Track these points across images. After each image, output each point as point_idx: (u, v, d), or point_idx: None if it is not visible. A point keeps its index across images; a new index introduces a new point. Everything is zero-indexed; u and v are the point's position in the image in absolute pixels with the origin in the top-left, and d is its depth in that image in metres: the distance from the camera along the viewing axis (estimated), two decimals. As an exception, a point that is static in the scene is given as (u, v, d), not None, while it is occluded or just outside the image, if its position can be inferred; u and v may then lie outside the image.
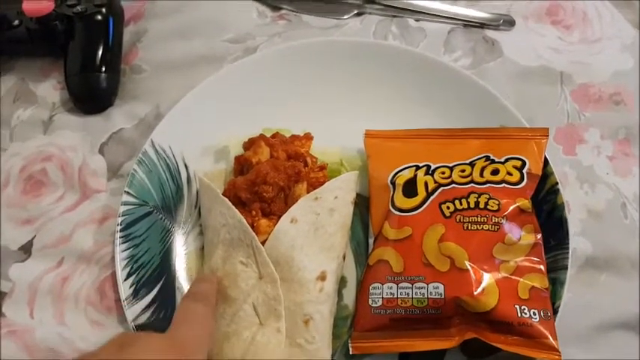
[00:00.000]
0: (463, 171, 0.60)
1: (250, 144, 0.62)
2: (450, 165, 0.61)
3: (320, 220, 0.58)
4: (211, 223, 0.58)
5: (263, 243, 0.55)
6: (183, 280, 0.61)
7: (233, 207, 0.57)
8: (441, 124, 0.65)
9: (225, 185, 0.60)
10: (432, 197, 0.58)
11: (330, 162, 0.64)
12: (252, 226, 0.56)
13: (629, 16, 0.78)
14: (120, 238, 0.59)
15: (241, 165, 0.62)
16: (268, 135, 0.65)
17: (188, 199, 0.64)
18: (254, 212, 0.57)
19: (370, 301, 0.56)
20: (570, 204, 0.63)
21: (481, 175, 0.59)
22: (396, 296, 0.55)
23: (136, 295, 0.59)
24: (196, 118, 0.66)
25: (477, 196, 0.58)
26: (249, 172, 0.59)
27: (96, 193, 0.66)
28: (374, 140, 0.65)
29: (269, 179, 0.57)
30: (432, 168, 0.61)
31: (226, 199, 0.57)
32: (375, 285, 0.56)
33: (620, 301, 0.59)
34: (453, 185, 0.59)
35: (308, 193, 0.59)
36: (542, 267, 0.56)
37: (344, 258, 0.60)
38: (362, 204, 0.63)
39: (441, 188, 0.59)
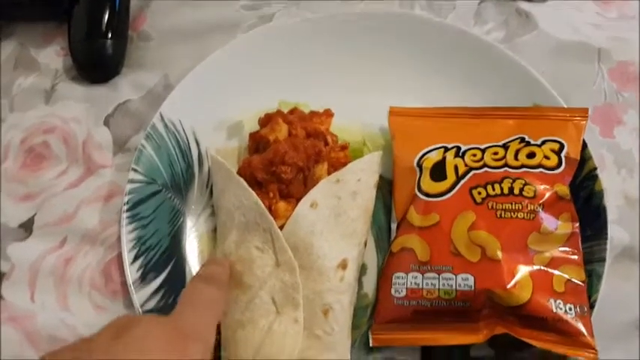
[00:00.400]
0: (496, 153, 0.56)
1: (267, 120, 0.58)
2: (482, 147, 0.57)
3: (342, 204, 0.54)
4: (224, 205, 0.54)
5: (281, 227, 0.51)
6: (194, 264, 0.58)
7: (249, 188, 0.53)
8: (472, 101, 0.61)
9: (240, 164, 0.56)
10: (462, 181, 0.54)
11: (351, 141, 0.60)
12: (270, 209, 0.52)
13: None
14: (126, 217, 0.56)
15: (257, 142, 0.58)
16: (285, 110, 0.61)
17: (199, 178, 0.60)
18: (271, 194, 0.53)
19: (393, 291, 0.53)
20: (607, 190, 0.59)
21: (516, 158, 0.55)
22: (421, 287, 0.52)
23: (144, 278, 0.55)
24: (208, 90, 0.62)
25: (511, 181, 0.53)
26: (266, 151, 0.55)
27: (101, 168, 0.62)
28: (399, 118, 0.61)
29: (288, 159, 0.53)
30: (463, 150, 0.57)
31: (241, 180, 0.53)
32: (399, 274, 0.53)
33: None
34: (486, 169, 0.55)
35: (329, 174, 0.55)
36: (578, 258, 0.52)
37: (365, 244, 0.56)
38: (384, 187, 0.59)
39: (472, 172, 0.55)
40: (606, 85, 0.66)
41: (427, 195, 0.55)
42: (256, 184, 0.54)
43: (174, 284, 0.56)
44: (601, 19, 0.70)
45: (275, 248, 0.51)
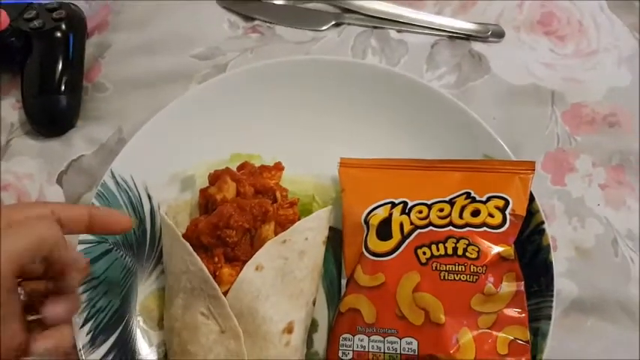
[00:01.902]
0: (442, 210, 0.56)
1: (215, 178, 0.58)
2: (429, 202, 0.57)
3: (288, 265, 0.54)
4: (172, 268, 0.55)
5: (225, 293, 0.51)
6: (144, 324, 0.57)
7: (194, 253, 0.53)
8: (423, 152, 0.61)
9: (189, 223, 0.56)
10: (407, 240, 0.55)
11: (301, 195, 0.60)
12: (214, 275, 0.52)
13: (628, 20, 0.72)
14: (77, 280, 0.55)
15: (206, 199, 0.58)
16: (237, 162, 0.61)
17: (151, 233, 0.60)
18: (216, 259, 0.53)
19: (340, 354, 0.53)
20: (557, 240, 0.59)
21: (460, 216, 0.55)
22: (367, 349, 0.52)
23: (94, 342, 0.55)
24: (160, 144, 0.62)
25: (455, 241, 0.54)
26: (212, 214, 0.55)
27: (53, 227, 0.62)
28: (349, 170, 0.61)
29: (232, 223, 0.53)
30: (409, 206, 0.57)
31: (187, 244, 0.53)
32: (346, 336, 0.53)
33: (608, 349, 0.55)
34: (431, 228, 0.55)
35: (276, 233, 0.55)
36: (523, 317, 0.53)
37: (314, 303, 0.56)
38: (335, 239, 0.60)
39: (418, 231, 0.55)
40: (559, 129, 0.66)
41: (373, 254, 0.55)
42: (203, 248, 0.54)
43: (125, 345, 0.56)
44: (555, 58, 0.69)
45: (220, 315, 0.52)
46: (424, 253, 0.54)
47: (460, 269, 0.52)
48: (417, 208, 0.56)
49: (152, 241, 0.61)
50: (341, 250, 0.58)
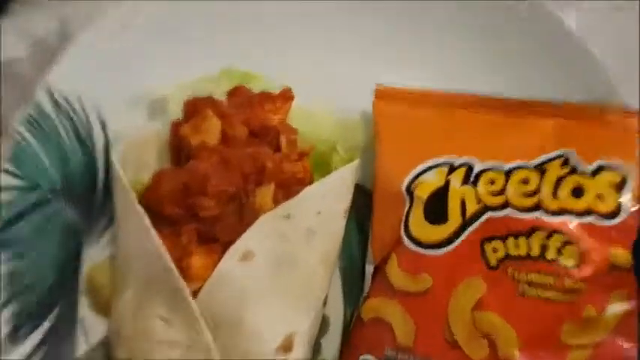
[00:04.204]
0: (526, 181, 0.38)
1: (191, 110, 0.40)
2: (506, 167, 0.38)
3: (291, 249, 0.38)
4: (123, 246, 0.38)
5: (196, 292, 0.34)
6: (90, 307, 0.42)
7: (151, 229, 0.36)
8: (499, 85, 0.43)
9: (150, 178, 0.39)
10: (470, 228, 0.37)
11: (317, 140, 0.42)
12: (181, 264, 0.35)
13: None
14: (-7, 243, 0.40)
15: (179, 141, 0.40)
16: (229, 84, 0.43)
17: (105, 177, 0.44)
18: (185, 238, 0.36)
19: (358, 381, 0.37)
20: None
21: (554, 194, 0.37)
22: (397, 385, 0.36)
23: (15, 335, 0.39)
24: (121, 50, 0.45)
25: (544, 235, 0.36)
26: (182, 170, 0.37)
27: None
28: (388, 105, 0.43)
29: (211, 188, 0.36)
30: (476, 171, 0.39)
31: (143, 214, 0.36)
32: (368, 358, 0.37)
33: None
34: (508, 211, 0.37)
35: (276, 202, 0.38)
36: (630, 348, 0.36)
37: (325, 302, 0.40)
38: (361, 202, 0.42)
39: (488, 214, 0.37)
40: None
41: (417, 243, 0.38)
42: (167, 219, 0.37)
43: (59, 341, 0.40)
44: None
45: (186, 323, 0.35)
46: (495, 251, 0.36)
47: (549, 282, 0.35)
48: (489, 175, 0.38)
49: (106, 188, 0.44)
50: (368, 222, 0.41)
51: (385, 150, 0.41)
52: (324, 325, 0.42)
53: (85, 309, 0.42)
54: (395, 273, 0.38)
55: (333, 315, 0.42)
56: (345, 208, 0.40)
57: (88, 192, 0.44)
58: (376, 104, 0.42)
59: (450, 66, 0.45)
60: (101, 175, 0.44)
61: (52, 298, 0.41)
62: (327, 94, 0.43)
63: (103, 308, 0.42)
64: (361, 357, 0.37)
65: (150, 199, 0.38)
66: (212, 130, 0.39)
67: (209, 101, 0.40)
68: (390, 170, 0.40)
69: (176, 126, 0.41)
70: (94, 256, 0.43)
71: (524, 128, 0.40)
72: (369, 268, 0.40)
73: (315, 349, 0.41)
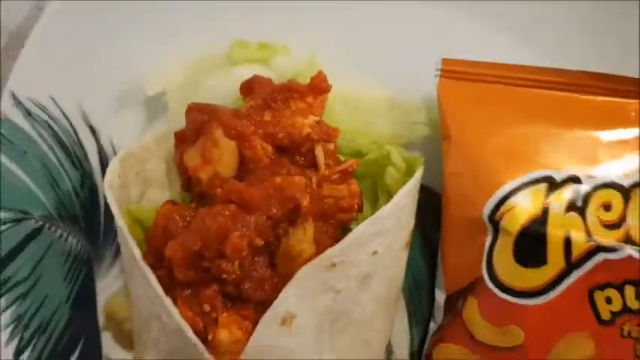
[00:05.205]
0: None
1: (195, 129, 0.30)
2: (627, 184, 0.28)
3: (341, 303, 0.30)
4: (137, 305, 0.31)
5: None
6: (115, 339, 0.36)
7: (166, 298, 0.28)
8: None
9: (155, 218, 0.31)
10: (577, 272, 0.28)
11: (365, 144, 0.32)
12: (205, 337, 0.28)
13: None
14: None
15: (185, 170, 0.31)
16: (243, 59, 0.36)
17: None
18: (207, 307, 0.29)
19: None
20: None
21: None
22: None
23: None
24: (98, 29, 0.35)
25: (677, 284, 0.27)
26: (190, 230, 0.29)
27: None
28: (458, 85, 0.32)
29: (231, 248, 0.27)
30: (586, 189, 0.28)
31: (153, 277, 0.29)
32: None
33: None
34: (629, 250, 0.27)
35: (318, 242, 0.29)
36: None
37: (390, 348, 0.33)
38: (426, 200, 0.33)
39: (601, 256, 0.27)
40: None
41: (505, 289, 0.29)
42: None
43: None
44: None
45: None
46: (609, 302, 0.28)
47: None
48: (601, 196, 0.28)
49: (108, 206, 0.35)
50: (435, 232, 0.33)
51: (457, 154, 0.31)
52: (386, 350, 0.35)
53: (108, 344, 0.37)
54: (477, 322, 0.30)
55: (398, 340, 0.35)
56: (408, 234, 0.31)
57: (88, 213, 0.37)
58: (443, 85, 0.32)
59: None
60: (101, 189, 0.36)
61: (72, 336, 0.36)
62: (374, 73, 0.32)
63: (128, 342, 0.36)
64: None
65: (157, 245, 0.30)
66: (225, 157, 0.30)
67: (215, 114, 0.30)
68: (465, 186, 0.30)
69: (180, 145, 0.31)
70: (111, 284, 0.37)
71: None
72: (439, 295, 0.33)
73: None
